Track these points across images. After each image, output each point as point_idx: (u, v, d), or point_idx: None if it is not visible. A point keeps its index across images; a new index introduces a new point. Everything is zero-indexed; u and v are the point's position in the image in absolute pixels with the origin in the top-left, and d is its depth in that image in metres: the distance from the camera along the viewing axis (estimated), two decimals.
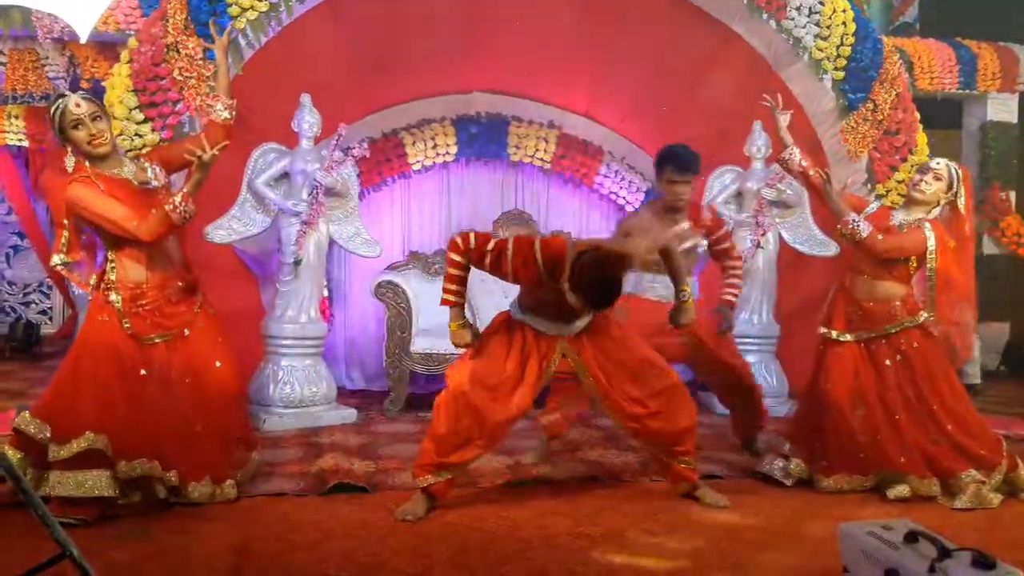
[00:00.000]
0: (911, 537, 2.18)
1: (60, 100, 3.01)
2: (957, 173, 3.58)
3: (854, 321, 3.63)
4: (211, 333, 3.27)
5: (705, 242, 4.09)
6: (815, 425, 3.65)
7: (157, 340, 3.11)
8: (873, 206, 3.75)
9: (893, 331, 3.55)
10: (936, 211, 3.58)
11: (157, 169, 3.20)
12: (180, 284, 3.21)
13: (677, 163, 3.86)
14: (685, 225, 4.02)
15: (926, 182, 3.56)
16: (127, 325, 3.06)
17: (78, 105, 2.99)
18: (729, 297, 4.08)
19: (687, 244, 4.04)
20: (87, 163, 3.04)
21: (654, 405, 3.24)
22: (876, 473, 3.52)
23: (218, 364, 3.23)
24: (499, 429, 3.16)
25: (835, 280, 3.87)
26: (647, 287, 4.10)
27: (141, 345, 3.09)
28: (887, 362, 3.54)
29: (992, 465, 3.45)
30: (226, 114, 3.31)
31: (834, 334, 3.66)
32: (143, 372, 3.07)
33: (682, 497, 3.34)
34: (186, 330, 3.18)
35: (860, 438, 3.50)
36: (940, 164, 3.59)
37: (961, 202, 3.58)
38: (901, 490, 3.42)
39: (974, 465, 3.43)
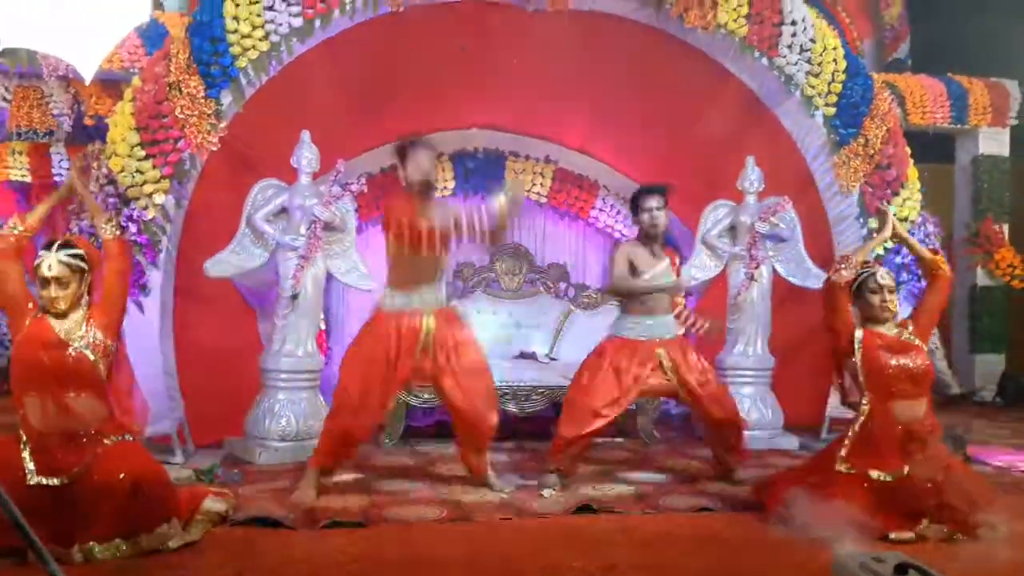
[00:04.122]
0: (901, 569, 2.19)
1: (43, 253, 3.00)
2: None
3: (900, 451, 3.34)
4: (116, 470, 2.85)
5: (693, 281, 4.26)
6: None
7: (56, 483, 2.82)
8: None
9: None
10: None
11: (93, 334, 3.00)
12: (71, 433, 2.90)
13: (646, 189, 4.25)
14: (665, 263, 4.20)
15: (892, 300, 3.49)
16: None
17: (50, 268, 2.97)
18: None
19: (670, 281, 4.18)
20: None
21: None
22: None
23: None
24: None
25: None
26: (630, 327, 4.18)
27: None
28: None
29: None
30: (110, 230, 3.18)
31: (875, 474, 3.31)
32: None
33: None
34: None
35: None
36: (884, 277, 3.52)
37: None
38: None
39: None
